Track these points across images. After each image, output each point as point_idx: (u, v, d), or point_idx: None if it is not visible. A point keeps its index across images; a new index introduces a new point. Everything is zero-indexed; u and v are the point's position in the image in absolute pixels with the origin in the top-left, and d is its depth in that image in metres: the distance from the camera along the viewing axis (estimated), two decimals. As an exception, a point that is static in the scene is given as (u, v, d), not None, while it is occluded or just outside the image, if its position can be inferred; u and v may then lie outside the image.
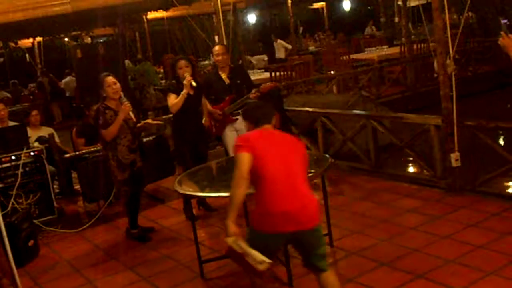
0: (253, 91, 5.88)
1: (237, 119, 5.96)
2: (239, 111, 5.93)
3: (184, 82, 5.54)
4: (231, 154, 6.23)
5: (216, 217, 5.92)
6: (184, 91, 5.55)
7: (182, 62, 5.68)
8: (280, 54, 16.85)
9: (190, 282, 4.54)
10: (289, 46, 17.23)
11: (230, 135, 6.10)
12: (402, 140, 6.37)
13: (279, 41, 17.33)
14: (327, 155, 4.91)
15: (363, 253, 4.57)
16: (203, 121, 6.02)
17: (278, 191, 3.26)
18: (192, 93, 5.62)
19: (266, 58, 16.14)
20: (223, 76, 6.04)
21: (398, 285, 3.98)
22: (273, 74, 11.98)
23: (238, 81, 6.02)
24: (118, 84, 5.30)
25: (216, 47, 6.14)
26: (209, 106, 6.06)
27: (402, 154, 6.56)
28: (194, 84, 5.54)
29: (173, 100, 5.63)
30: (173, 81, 5.81)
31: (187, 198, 5.14)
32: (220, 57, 6.02)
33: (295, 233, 3.30)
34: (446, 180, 5.69)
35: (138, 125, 5.55)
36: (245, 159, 3.24)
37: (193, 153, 5.87)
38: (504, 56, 4.00)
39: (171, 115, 8.38)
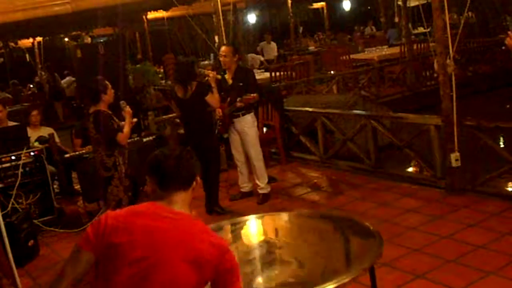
0: (238, 99, 5.87)
1: (233, 122, 6.05)
2: (240, 113, 5.98)
3: (211, 76, 5.80)
4: (234, 155, 6.25)
5: (217, 217, 5.92)
6: (213, 85, 5.79)
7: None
8: (271, 55, 16.63)
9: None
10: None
11: (232, 137, 6.20)
12: (402, 140, 6.37)
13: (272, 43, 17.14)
14: (378, 235, 3.00)
15: (363, 253, 4.57)
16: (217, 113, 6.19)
17: None
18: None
19: (262, 58, 16.01)
20: (227, 76, 6.07)
21: (398, 285, 3.98)
22: (273, 74, 11.98)
23: (240, 84, 5.99)
24: None
25: (222, 48, 6.16)
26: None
27: (402, 154, 6.56)
28: (219, 76, 5.89)
29: (213, 97, 5.80)
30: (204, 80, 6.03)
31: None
32: (222, 58, 6.05)
33: None
34: (446, 180, 5.69)
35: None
36: (79, 259, 2.05)
37: None
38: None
39: (171, 115, 8.41)
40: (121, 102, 5.25)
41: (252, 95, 5.83)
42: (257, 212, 5.91)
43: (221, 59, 6.12)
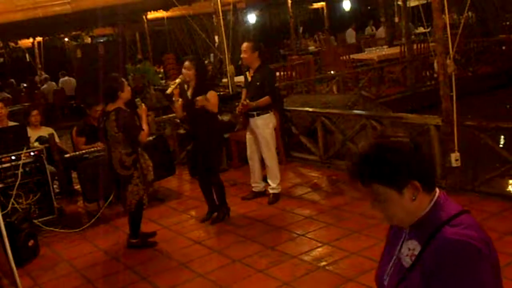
0: (241, 103, 5.90)
1: (248, 120, 6.04)
2: (255, 113, 5.97)
3: (168, 90, 5.61)
4: (248, 154, 6.25)
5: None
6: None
7: (186, 63, 5.67)
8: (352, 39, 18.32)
9: (190, 282, 4.54)
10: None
11: (247, 136, 6.19)
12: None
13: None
14: None
15: (363, 253, 4.57)
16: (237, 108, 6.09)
17: None
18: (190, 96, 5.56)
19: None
20: (248, 74, 6.09)
21: (398, 285, 3.97)
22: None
23: (258, 83, 5.97)
24: None
25: (243, 44, 6.08)
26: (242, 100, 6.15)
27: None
28: (168, 91, 5.59)
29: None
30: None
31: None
32: (243, 54, 6.02)
33: None
34: (446, 180, 5.69)
35: None
36: None
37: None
38: None
39: (171, 116, 8.40)
40: (136, 99, 5.35)
41: (242, 102, 5.85)
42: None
43: (242, 55, 6.06)
